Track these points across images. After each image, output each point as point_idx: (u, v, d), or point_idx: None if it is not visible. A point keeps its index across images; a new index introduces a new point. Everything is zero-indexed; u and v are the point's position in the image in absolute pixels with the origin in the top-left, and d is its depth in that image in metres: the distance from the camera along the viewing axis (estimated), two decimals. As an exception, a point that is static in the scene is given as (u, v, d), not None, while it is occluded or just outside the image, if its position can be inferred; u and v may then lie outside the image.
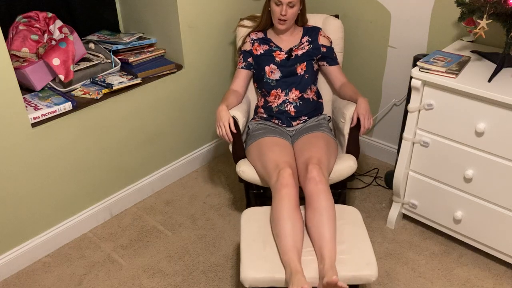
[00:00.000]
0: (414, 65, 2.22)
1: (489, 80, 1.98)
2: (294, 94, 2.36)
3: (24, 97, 2.22)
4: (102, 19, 2.72)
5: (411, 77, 2.11)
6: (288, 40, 2.41)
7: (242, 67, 2.43)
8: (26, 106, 2.16)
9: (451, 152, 2.13)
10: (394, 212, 2.47)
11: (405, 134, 2.25)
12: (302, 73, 2.37)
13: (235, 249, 2.39)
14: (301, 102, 2.37)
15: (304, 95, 2.38)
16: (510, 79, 2.00)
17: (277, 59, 2.38)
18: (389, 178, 2.76)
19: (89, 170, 2.43)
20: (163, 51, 2.68)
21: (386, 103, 2.85)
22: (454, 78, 2.00)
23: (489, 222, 2.14)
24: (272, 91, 2.38)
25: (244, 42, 2.46)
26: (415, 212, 2.41)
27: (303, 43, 2.39)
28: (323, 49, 2.40)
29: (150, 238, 2.48)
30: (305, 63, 2.37)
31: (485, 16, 1.93)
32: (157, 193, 2.80)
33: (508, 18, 1.95)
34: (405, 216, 2.53)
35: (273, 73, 2.37)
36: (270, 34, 2.44)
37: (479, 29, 1.95)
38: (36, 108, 2.16)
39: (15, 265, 2.29)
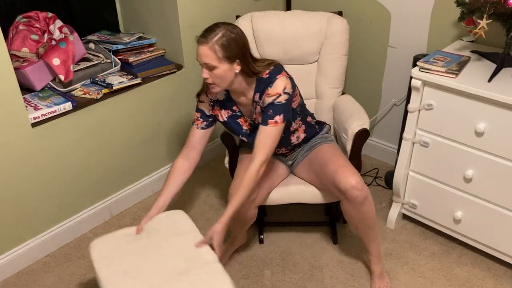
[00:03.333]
0: (414, 65, 2.22)
1: (489, 80, 1.98)
2: (281, 149, 2.15)
3: (24, 97, 2.22)
4: (102, 19, 2.72)
5: (411, 77, 2.11)
6: (246, 101, 1.98)
7: (202, 128, 2.05)
8: (26, 106, 2.16)
9: (451, 152, 2.13)
10: (394, 212, 2.47)
11: (405, 134, 2.25)
12: None
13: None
14: (293, 145, 2.16)
15: (294, 143, 2.15)
16: (510, 79, 2.00)
17: (244, 128, 2.05)
18: (389, 178, 2.76)
19: (89, 170, 2.43)
20: (163, 51, 2.68)
21: (386, 103, 2.85)
22: (454, 78, 2.00)
23: (489, 222, 2.14)
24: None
25: (200, 102, 2.06)
26: (415, 212, 2.41)
27: (256, 104, 1.95)
28: (258, 108, 1.95)
29: (150, 238, 2.48)
30: None
31: (485, 16, 1.93)
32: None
33: (508, 18, 1.95)
34: (405, 216, 2.53)
35: (247, 140, 2.09)
36: (231, 91, 1.99)
37: (479, 29, 1.95)
38: (36, 108, 2.16)
39: (15, 265, 2.29)
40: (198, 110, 2.07)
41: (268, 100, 1.86)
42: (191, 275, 1.68)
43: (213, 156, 3.06)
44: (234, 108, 2.03)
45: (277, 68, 1.92)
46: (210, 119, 2.06)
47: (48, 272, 2.30)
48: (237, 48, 1.79)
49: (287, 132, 2.05)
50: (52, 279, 2.26)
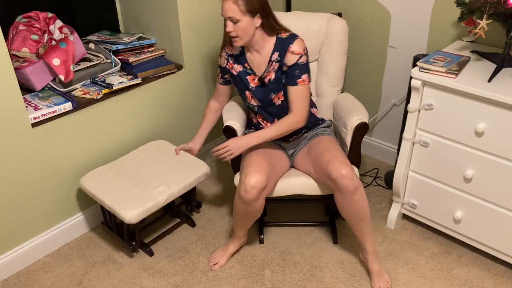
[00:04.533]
0: (414, 65, 2.23)
1: (489, 80, 1.98)
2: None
3: (24, 97, 2.22)
4: (102, 19, 2.72)
5: (411, 77, 2.11)
6: (259, 59, 2.13)
7: (221, 83, 2.35)
8: (26, 106, 2.16)
9: (451, 152, 2.13)
10: (394, 212, 2.47)
11: (405, 134, 2.25)
12: (280, 102, 2.17)
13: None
14: None
15: None
16: (510, 79, 2.00)
17: (252, 85, 2.18)
18: (389, 178, 2.76)
19: (89, 170, 2.43)
20: (163, 51, 2.68)
21: (386, 103, 2.86)
22: (454, 78, 2.01)
23: (489, 222, 2.14)
24: (258, 115, 2.27)
25: (220, 56, 2.28)
26: (415, 212, 2.41)
27: (272, 63, 2.09)
28: (285, 68, 2.08)
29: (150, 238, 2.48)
30: (281, 92, 2.14)
31: (485, 16, 1.93)
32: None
33: (508, 18, 1.95)
34: (405, 216, 2.53)
35: (253, 98, 2.22)
36: (246, 48, 2.17)
37: (479, 29, 1.95)
38: (36, 108, 2.17)
39: (15, 265, 2.29)
40: (219, 66, 2.32)
41: (292, 59, 2.04)
42: (150, 184, 2.25)
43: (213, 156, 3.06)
44: (246, 65, 2.18)
45: (294, 34, 2.10)
46: (226, 76, 2.30)
47: (48, 272, 2.30)
48: (257, 3, 1.97)
49: (285, 103, 2.16)
50: (52, 279, 2.26)
